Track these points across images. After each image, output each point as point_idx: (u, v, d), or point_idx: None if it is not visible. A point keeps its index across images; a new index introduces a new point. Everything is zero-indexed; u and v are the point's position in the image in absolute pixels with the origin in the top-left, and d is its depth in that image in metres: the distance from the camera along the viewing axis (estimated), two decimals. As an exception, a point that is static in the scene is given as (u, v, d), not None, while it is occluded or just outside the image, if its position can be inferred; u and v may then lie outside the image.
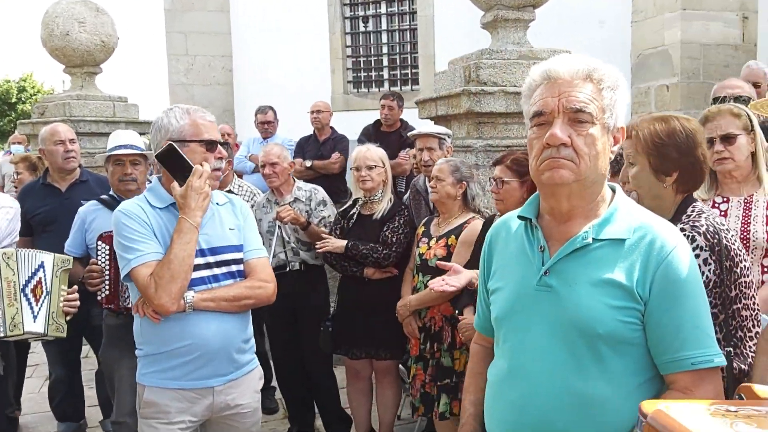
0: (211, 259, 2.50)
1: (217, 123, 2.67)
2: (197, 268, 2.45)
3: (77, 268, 3.39)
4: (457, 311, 3.32)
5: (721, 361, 1.52)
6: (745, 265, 2.01)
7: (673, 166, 2.08)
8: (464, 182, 3.58)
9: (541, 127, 1.57)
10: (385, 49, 10.04)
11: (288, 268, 4.11)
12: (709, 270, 1.95)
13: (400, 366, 4.23)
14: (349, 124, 7.46)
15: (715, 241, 1.97)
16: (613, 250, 1.54)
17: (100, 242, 3.22)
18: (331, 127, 6.95)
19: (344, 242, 3.86)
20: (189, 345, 2.42)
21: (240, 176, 5.76)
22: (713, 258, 1.96)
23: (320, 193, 4.31)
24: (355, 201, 4.06)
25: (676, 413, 1.15)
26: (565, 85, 1.54)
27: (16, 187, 5.18)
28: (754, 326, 2.02)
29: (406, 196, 4.63)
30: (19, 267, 2.87)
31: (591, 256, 1.56)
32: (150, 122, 7.21)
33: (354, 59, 10.15)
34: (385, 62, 10.03)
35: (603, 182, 1.61)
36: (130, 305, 2.64)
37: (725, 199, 2.75)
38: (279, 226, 4.11)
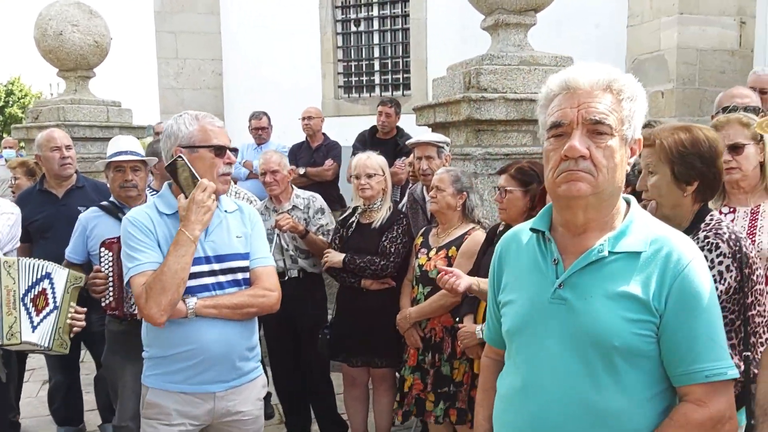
0: (216, 266, 2.52)
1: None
2: (201, 275, 2.47)
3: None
4: (456, 320, 3.32)
5: (734, 373, 1.52)
6: (759, 273, 2.06)
7: (696, 175, 2.10)
8: (464, 193, 3.56)
9: (558, 138, 1.55)
10: (376, 53, 10.00)
11: (286, 276, 4.09)
12: (731, 277, 2.00)
13: (397, 374, 4.22)
14: (341, 129, 7.44)
15: (737, 248, 2.01)
16: (629, 263, 1.54)
17: (103, 249, 3.22)
18: (324, 134, 6.91)
19: (342, 256, 3.85)
20: (191, 350, 2.45)
21: (234, 182, 5.70)
22: (735, 265, 2.00)
23: (318, 200, 4.30)
24: (355, 209, 4.03)
25: None
26: (584, 96, 1.52)
27: (13, 192, 5.13)
28: (764, 332, 2.07)
29: (401, 204, 4.59)
30: (19, 276, 2.86)
31: (607, 269, 1.55)
32: (144, 127, 7.21)
33: (345, 63, 10.10)
34: (377, 66, 9.99)
35: (619, 194, 1.60)
36: (135, 311, 2.68)
37: (732, 209, 2.75)
38: (277, 234, 4.10)
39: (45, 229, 4.25)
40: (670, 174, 2.11)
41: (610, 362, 1.51)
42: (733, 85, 6.82)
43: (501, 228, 3.24)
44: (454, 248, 3.53)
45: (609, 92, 1.53)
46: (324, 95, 9.82)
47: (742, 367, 2.02)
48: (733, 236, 2.04)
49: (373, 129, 6.50)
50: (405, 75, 9.79)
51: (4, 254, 3.18)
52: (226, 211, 2.58)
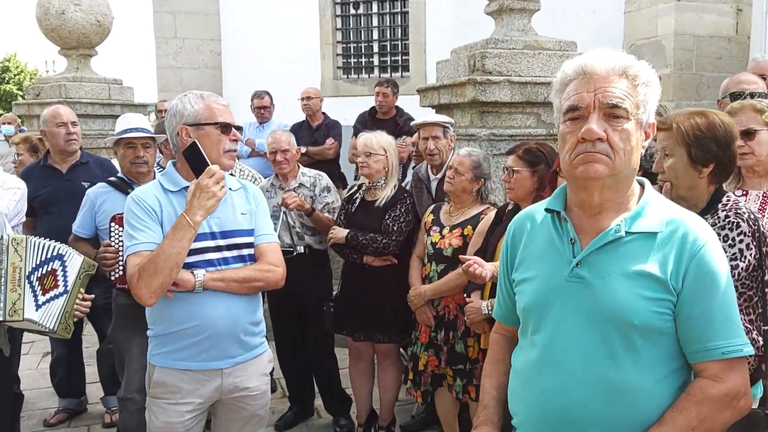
0: (221, 242, 2.52)
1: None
2: (207, 251, 2.49)
3: (87, 249, 3.45)
4: (465, 295, 3.37)
5: (749, 350, 1.56)
6: None
7: (712, 158, 2.16)
8: (482, 179, 3.58)
9: (575, 121, 1.57)
10: (375, 35, 10.02)
11: (294, 252, 4.13)
12: (750, 254, 2.08)
13: (401, 350, 4.29)
14: (339, 110, 7.47)
15: (756, 227, 2.10)
16: (646, 243, 1.56)
17: (113, 224, 3.28)
18: (324, 113, 6.94)
19: (346, 232, 3.90)
20: (197, 326, 2.45)
21: (237, 159, 5.75)
22: (754, 243, 2.08)
23: (324, 179, 4.35)
24: (360, 186, 4.09)
25: None
26: (600, 81, 1.55)
27: (16, 168, 5.14)
28: None
29: (405, 183, 4.66)
30: (27, 254, 2.84)
31: (623, 248, 1.57)
32: (145, 105, 7.23)
33: (344, 45, 10.12)
34: (376, 48, 10.01)
35: (634, 176, 1.63)
36: None
37: (744, 193, 2.80)
38: (284, 211, 4.14)
39: (49, 204, 4.27)
40: (686, 157, 2.18)
41: (628, 340, 1.54)
42: (729, 71, 6.94)
43: (510, 208, 3.30)
44: (469, 227, 3.56)
45: (624, 78, 1.56)
46: (323, 76, 9.84)
47: (761, 342, 2.10)
48: (752, 216, 2.12)
49: (373, 110, 6.56)
50: (404, 57, 9.83)
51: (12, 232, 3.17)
52: (230, 188, 2.59)
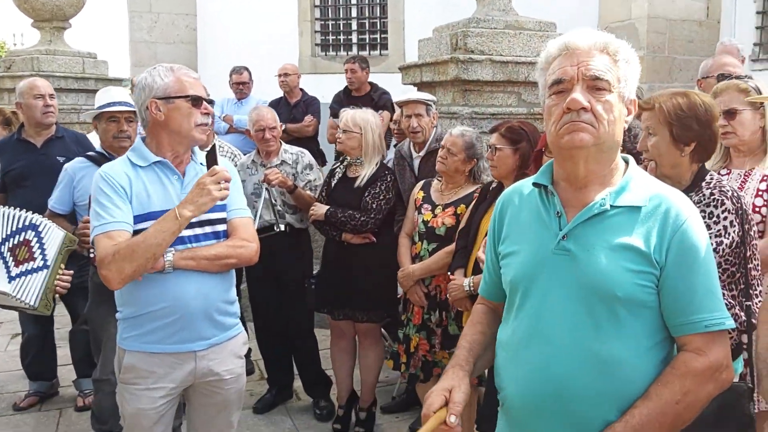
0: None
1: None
2: None
3: (64, 225, 3.34)
4: (449, 272, 3.38)
5: (730, 323, 1.58)
6: (755, 228, 2.22)
7: (693, 136, 2.24)
8: (475, 159, 3.56)
9: (559, 95, 1.61)
10: (354, 13, 9.97)
11: (275, 230, 4.12)
12: (734, 231, 2.16)
13: (382, 330, 4.31)
14: (317, 87, 7.42)
15: (739, 205, 2.18)
16: (630, 217, 1.60)
17: None
18: (301, 90, 6.90)
19: (325, 209, 3.88)
20: (168, 307, 2.38)
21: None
22: (737, 220, 2.16)
23: (307, 156, 4.34)
24: (343, 160, 4.09)
25: None
26: (583, 55, 1.60)
27: (-12, 142, 5.03)
28: (758, 285, 2.24)
29: (387, 160, 4.68)
30: None
31: (608, 222, 1.60)
32: (120, 79, 7.12)
33: (322, 22, 10.05)
34: (354, 26, 9.97)
35: (617, 150, 1.68)
36: None
37: (728, 171, 2.88)
38: (266, 189, 4.11)
39: (23, 178, 4.18)
40: (668, 135, 2.25)
41: (613, 312, 1.57)
42: (700, 54, 7.06)
43: (494, 185, 3.34)
44: (463, 206, 3.53)
45: (606, 53, 1.61)
46: (301, 53, 9.76)
47: (743, 317, 2.19)
48: (735, 194, 2.21)
49: (347, 88, 6.52)
50: (382, 35, 9.79)
51: None
52: (202, 164, 2.51)
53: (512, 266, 1.75)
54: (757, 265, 2.28)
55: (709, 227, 2.16)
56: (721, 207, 2.18)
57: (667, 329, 1.62)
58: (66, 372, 4.61)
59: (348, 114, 3.96)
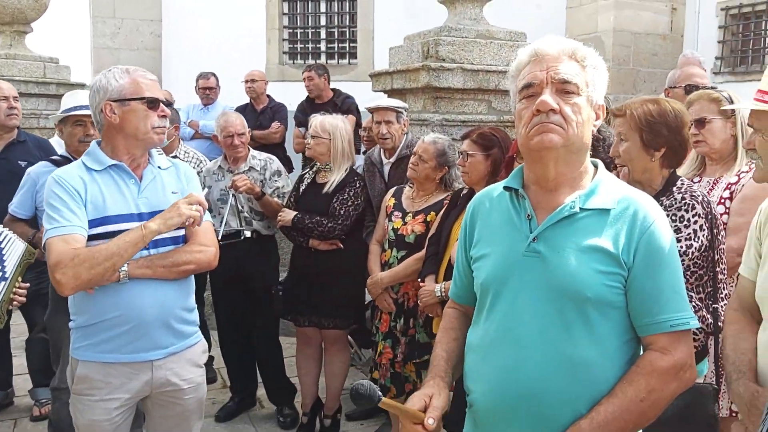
0: None
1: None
2: None
3: (24, 229, 3.30)
4: (419, 279, 3.36)
5: (695, 323, 1.64)
6: (723, 233, 2.28)
7: (663, 142, 2.29)
8: (447, 167, 3.54)
9: (529, 98, 1.65)
10: (323, 21, 9.95)
11: (242, 237, 4.07)
12: (703, 235, 2.21)
13: (349, 337, 4.27)
14: (284, 94, 7.38)
15: (709, 210, 2.24)
16: (599, 219, 1.63)
17: None
18: (268, 96, 6.86)
19: (293, 214, 3.85)
20: (123, 315, 2.31)
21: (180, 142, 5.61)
22: (707, 225, 2.21)
23: (275, 163, 4.29)
24: (312, 166, 4.05)
25: None
26: (552, 60, 1.64)
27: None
28: (724, 288, 2.29)
29: (359, 165, 4.65)
30: None
31: (578, 224, 1.63)
32: (83, 85, 6.96)
33: (291, 30, 10.01)
34: (323, 35, 9.95)
35: (586, 152, 1.71)
36: None
37: (699, 179, 2.93)
38: (233, 195, 4.05)
39: None
40: (639, 141, 2.31)
41: (583, 313, 1.59)
42: (664, 67, 7.21)
43: (464, 192, 3.34)
44: (433, 213, 3.52)
45: (574, 59, 1.65)
46: (268, 60, 9.72)
47: (710, 320, 2.24)
48: (705, 199, 2.28)
49: (309, 96, 6.50)
50: (351, 44, 9.80)
51: None
52: (159, 167, 2.48)
53: (484, 269, 1.76)
54: (724, 269, 2.34)
55: (679, 230, 2.22)
56: (691, 211, 2.23)
57: (634, 330, 1.65)
58: (22, 381, 4.49)
59: (317, 119, 3.93)
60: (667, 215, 2.20)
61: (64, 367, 3.14)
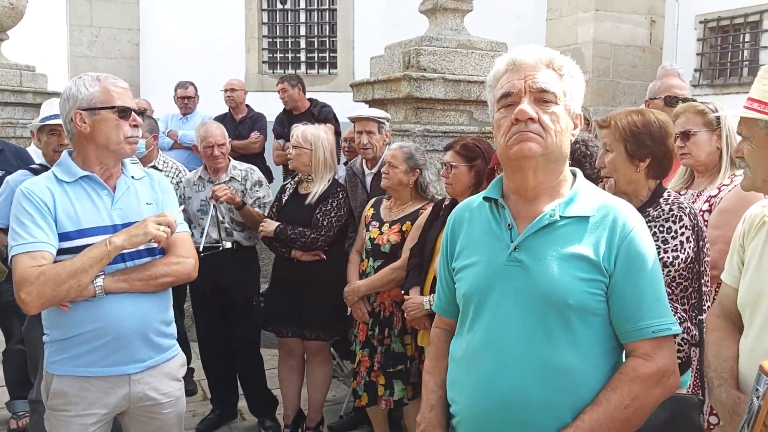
0: None
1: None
2: None
3: (2, 238, 3.21)
4: (402, 292, 3.36)
5: (677, 329, 1.65)
6: (708, 246, 2.27)
7: (647, 152, 2.30)
8: (417, 170, 3.56)
9: (508, 108, 1.66)
10: (303, 31, 9.92)
11: (221, 248, 4.03)
12: (690, 247, 2.22)
13: (331, 349, 4.24)
14: (264, 104, 7.34)
15: (695, 222, 2.24)
16: (579, 227, 1.65)
17: None
18: (247, 106, 6.81)
19: (275, 225, 3.82)
20: (100, 328, 2.26)
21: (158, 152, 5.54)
22: (693, 237, 2.22)
23: (256, 173, 4.25)
24: (294, 176, 4.03)
25: None
26: (529, 69, 1.65)
27: None
28: (707, 300, 2.30)
29: (341, 176, 4.61)
30: None
31: (558, 232, 1.65)
32: (59, 93, 6.85)
33: (270, 39, 9.97)
34: (303, 44, 9.92)
35: (565, 162, 1.72)
36: None
37: (685, 192, 2.94)
38: (213, 205, 4.01)
39: None
40: (624, 151, 2.32)
41: (565, 321, 1.60)
42: (643, 79, 7.28)
43: (447, 203, 3.33)
44: (408, 223, 3.54)
45: (551, 68, 1.67)
46: (247, 70, 9.67)
47: (695, 331, 2.23)
48: (692, 211, 2.29)
49: (286, 108, 6.45)
50: (331, 54, 9.78)
51: None
52: (133, 177, 2.43)
53: (466, 280, 1.77)
54: (707, 281, 2.34)
55: (666, 242, 2.23)
56: (679, 222, 2.24)
57: (616, 337, 1.66)
58: (-1, 393, 4.43)
59: (299, 130, 3.91)
60: (655, 226, 2.22)
61: (41, 379, 3.13)
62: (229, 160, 4.22)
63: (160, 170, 4.33)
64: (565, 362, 1.60)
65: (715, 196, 2.79)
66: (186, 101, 6.75)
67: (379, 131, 4.03)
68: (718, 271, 2.15)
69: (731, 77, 7.91)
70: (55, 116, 3.33)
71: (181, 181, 4.35)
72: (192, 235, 3.97)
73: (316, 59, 9.95)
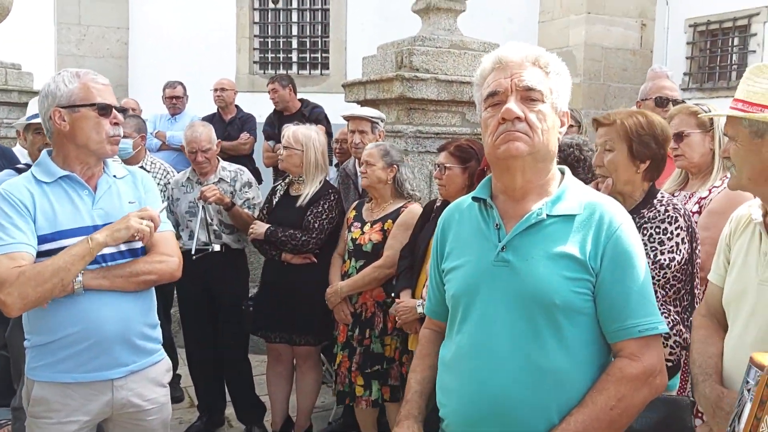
0: None
1: (118, 97, 2.45)
2: None
3: None
4: (393, 294, 3.34)
5: (664, 328, 1.65)
6: (700, 248, 2.28)
7: (649, 154, 2.31)
8: (395, 166, 3.56)
9: (495, 107, 1.66)
10: (294, 31, 9.87)
11: (210, 249, 3.95)
12: (684, 249, 2.22)
13: (321, 354, 4.19)
14: (254, 105, 7.28)
15: (689, 223, 2.25)
16: (566, 226, 1.64)
17: None
18: (237, 106, 6.74)
19: (266, 227, 3.76)
20: (80, 331, 2.19)
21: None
22: (687, 238, 2.22)
23: (246, 174, 4.20)
24: (285, 178, 3.98)
25: None
26: (515, 67, 1.65)
27: None
28: (697, 302, 2.29)
29: (332, 177, 4.56)
30: None
31: (545, 231, 1.65)
32: (47, 93, 6.75)
33: (261, 39, 9.91)
34: (295, 45, 9.86)
35: (553, 160, 1.72)
36: None
37: (678, 194, 2.93)
38: (202, 207, 3.94)
39: None
40: (627, 151, 2.32)
41: (552, 320, 1.60)
42: (634, 82, 7.29)
43: (438, 204, 3.30)
44: (390, 221, 3.54)
45: (537, 66, 1.66)
46: (238, 70, 9.60)
47: (686, 334, 2.22)
48: (686, 212, 2.29)
49: (276, 109, 6.40)
50: (324, 54, 9.73)
51: None
52: (115, 176, 2.37)
53: (455, 280, 1.77)
54: (698, 283, 2.34)
55: (662, 243, 2.23)
56: (674, 224, 2.24)
57: (603, 338, 1.66)
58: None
59: (290, 130, 3.86)
60: (651, 227, 2.22)
61: (24, 386, 3.07)
62: (218, 161, 4.16)
63: (148, 171, 4.26)
64: (553, 363, 1.60)
65: (705, 198, 2.79)
66: (174, 101, 6.68)
67: (372, 131, 3.99)
68: (705, 272, 2.16)
69: (720, 81, 7.96)
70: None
71: (169, 183, 4.29)
72: (180, 237, 3.94)
73: (308, 59, 9.90)
